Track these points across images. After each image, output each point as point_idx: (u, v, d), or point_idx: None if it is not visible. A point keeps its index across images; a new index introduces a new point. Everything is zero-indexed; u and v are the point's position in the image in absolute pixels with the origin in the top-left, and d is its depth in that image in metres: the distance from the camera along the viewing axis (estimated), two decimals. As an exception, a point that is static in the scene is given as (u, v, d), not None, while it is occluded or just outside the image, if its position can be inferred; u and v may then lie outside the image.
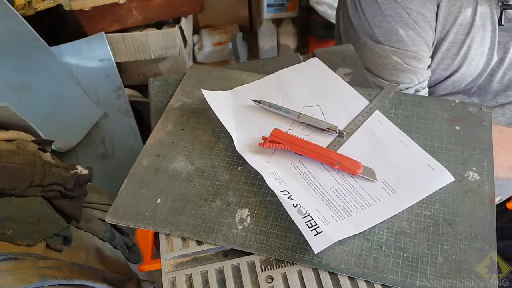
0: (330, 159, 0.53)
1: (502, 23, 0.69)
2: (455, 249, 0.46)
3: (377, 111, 0.60)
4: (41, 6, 1.27)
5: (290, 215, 0.48)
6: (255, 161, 0.54)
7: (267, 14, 1.54)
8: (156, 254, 0.52)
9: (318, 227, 0.46)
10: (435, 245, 0.46)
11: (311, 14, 1.50)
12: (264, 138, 0.56)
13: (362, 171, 0.52)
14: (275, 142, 0.55)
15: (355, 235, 0.47)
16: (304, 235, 0.46)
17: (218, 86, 0.66)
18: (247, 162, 0.54)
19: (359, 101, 0.61)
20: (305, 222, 0.47)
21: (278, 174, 0.53)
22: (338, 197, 0.50)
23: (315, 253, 0.45)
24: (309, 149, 0.54)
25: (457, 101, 0.60)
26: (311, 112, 0.60)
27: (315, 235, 0.46)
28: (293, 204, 0.49)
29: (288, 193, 0.50)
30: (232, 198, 0.52)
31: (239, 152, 0.55)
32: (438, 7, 0.70)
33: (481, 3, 0.69)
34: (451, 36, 0.72)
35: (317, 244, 0.45)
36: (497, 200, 0.87)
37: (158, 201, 0.52)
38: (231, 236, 0.48)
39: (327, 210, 0.49)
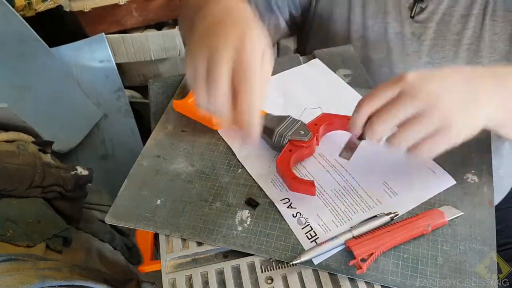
0: (419, 227, 0.47)
1: None
2: (455, 250, 0.46)
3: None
4: (41, 7, 1.27)
5: (289, 225, 0.48)
6: (255, 168, 0.54)
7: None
8: (156, 255, 0.52)
9: (318, 237, 0.47)
10: (435, 246, 0.46)
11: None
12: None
13: (447, 216, 0.48)
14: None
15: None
16: (304, 247, 0.46)
17: (218, 87, 0.66)
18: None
19: None
20: (305, 233, 0.47)
21: (279, 180, 0.53)
22: (339, 199, 0.50)
23: (315, 264, 0.45)
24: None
25: None
26: (313, 114, 0.60)
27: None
28: (293, 214, 0.49)
29: (289, 200, 0.50)
30: (232, 200, 0.52)
31: (240, 160, 0.55)
32: None
33: None
34: None
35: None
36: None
37: (158, 202, 0.52)
38: (231, 237, 0.48)
39: (328, 214, 0.49)
